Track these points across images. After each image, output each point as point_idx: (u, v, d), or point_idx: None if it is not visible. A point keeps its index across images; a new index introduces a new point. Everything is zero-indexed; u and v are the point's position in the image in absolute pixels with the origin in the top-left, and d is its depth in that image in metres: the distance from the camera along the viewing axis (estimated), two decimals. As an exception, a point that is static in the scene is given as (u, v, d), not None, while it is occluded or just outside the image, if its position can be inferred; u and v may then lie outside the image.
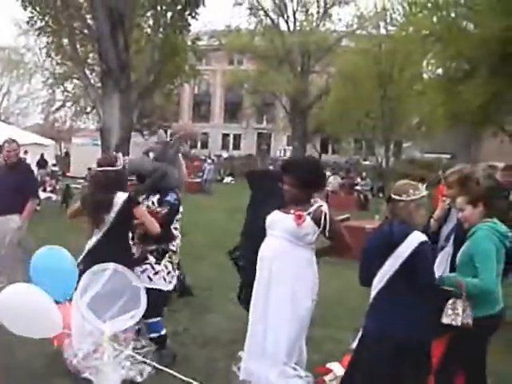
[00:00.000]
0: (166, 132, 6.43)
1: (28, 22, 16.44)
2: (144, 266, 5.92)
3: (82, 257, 5.35)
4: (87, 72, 15.49)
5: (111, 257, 5.02)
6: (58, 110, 41.08)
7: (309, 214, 4.55)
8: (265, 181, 6.42)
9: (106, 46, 12.21)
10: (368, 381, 3.75)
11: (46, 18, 14.99)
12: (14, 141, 8.66)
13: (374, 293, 3.93)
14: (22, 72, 49.78)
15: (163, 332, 6.09)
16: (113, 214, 5.04)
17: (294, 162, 5.63)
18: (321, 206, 4.56)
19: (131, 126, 13.42)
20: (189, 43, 17.63)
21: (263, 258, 4.70)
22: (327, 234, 4.54)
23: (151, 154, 6.29)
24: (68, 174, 39.20)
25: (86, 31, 14.60)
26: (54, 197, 21.30)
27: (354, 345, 3.99)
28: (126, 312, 2.78)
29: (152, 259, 5.96)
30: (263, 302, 4.75)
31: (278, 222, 4.67)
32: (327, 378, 4.65)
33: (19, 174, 8.49)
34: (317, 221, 4.54)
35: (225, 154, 56.74)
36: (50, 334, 4.02)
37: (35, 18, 15.49)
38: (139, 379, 2.61)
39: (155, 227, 5.01)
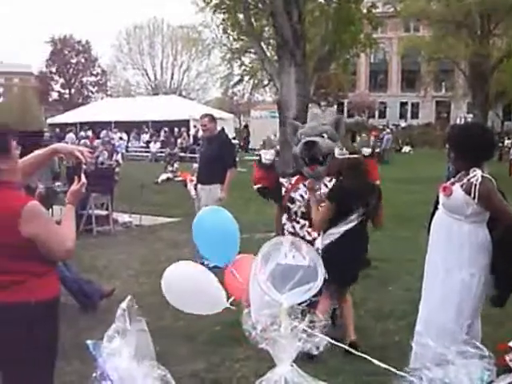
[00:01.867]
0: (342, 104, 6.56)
1: (204, 0, 16.98)
2: None
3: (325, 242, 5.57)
4: (263, 46, 15.71)
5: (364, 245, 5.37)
6: (236, 84, 42.14)
7: (462, 185, 4.36)
8: None
9: (281, 19, 12.29)
10: None
11: (221, -5, 15.38)
12: (207, 115, 9.47)
13: None
14: (201, 49, 51.58)
15: (337, 305, 6.12)
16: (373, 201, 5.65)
17: (457, 129, 5.42)
18: (474, 176, 4.32)
19: (308, 97, 13.47)
20: (364, 11, 17.29)
21: (431, 230, 4.70)
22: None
23: (325, 135, 6.33)
24: (248, 147, 40.24)
25: (260, 5, 14.80)
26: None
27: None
28: (303, 284, 2.79)
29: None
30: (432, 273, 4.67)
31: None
32: (509, 357, 4.39)
33: (216, 146, 9.17)
34: (468, 192, 4.33)
35: (403, 124, 55.72)
36: (214, 310, 4.20)
37: (211, -6, 15.98)
38: (315, 352, 2.61)
39: None
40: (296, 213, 6.44)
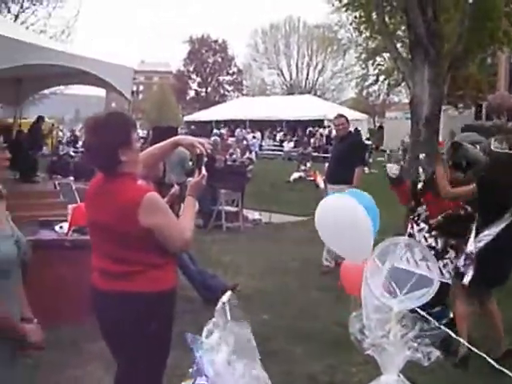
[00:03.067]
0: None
1: (337, -2, 16.85)
2: (445, 261, 5.86)
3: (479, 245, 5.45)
4: (397, 44, 15.35)
5: None
6: (371, 84, 41.59)
7: None
8: None
9: (414, 16, 11.94)
10: None
11: (353, -7, 15.19)
12: (342, 116, 9.77)
13: None
14: (336, 48, 51.32)
15: (451, 315, 5.89)
16: None
17: None
18: None
19: (442, 98, 12.99)
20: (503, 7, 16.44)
21: None
22: None
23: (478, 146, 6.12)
24: (381, 148, 39.67)
25: (394, 3, 14.46)
26: (366, 169, 21.72)
27: None
28: (416, 290, 2.65)
29: (452, 254, 5.87)
30: None
31: None
32: None
33: (348, 145, 9.33)
34: None
35: (546, 126, 52.87)
36: (354, 258, 3.86)
37: (344, -7, 15.82)
38: (425, 363, 2.46)
39: None
40: (419, 215, 6.27)
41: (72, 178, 15.54)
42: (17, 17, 31.96)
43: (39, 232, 7.03)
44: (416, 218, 6.31)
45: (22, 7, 32.79)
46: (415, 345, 2.44)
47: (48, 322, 3.08)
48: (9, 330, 2.81)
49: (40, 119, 19.12)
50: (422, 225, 6.21)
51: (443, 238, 5.96)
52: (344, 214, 3.65)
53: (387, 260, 2.78)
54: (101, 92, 29.81)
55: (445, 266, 5.94)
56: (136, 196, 3.36)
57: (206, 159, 3.78)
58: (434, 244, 5.98)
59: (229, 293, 2.74)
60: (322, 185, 9.91)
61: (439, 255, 5.84)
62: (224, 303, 2.64)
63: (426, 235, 6.12)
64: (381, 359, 2.47)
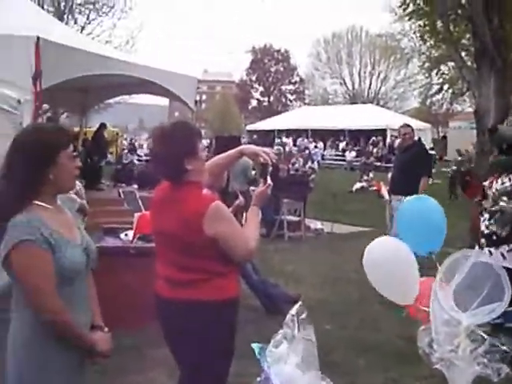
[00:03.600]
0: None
1: (401, 6, 16.67)
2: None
3: None
4: (461, 53, 15.12)
5: None
6: (435, 93, 40.95)
7: None
8: None
9: (480, 24, 11.72)
10: None
11: (418, 1, 14.99)
12: (408, 125, 9.81)
13: None
14: (399, 57, 50.72)
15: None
16: None
17: None
18: None
19: (508, 108, 12.71)
20: None
21: None
22: None
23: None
24: (445, 158, 39.04)
25: (459, 11, 14.23)
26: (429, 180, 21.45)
27: None
28: (487, 303, 2.59)
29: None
30: None
31: None
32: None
33: (412, 156, 9.29)
34: None
35: None
36: (402, 300, 3.94)
37: (408, 2, 15.64)
38: (495, 379, 2.39)
39: None
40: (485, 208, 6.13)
41: (136, 186, 15.76)
42: (83, 28, 32.81)
43: (104, 239, 7.15)
44: (482, 212, 6.17)
45: (88, 18, 33.67)
46: (485, 360, 2.38)
47: (111, 328, 3.12)
48: (73, 338, 2.84)
49: (102, 126, 19.47)
50: (486, 215, 6.06)
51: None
52: (390, 261, 3.73)
53: (455, 274, 2.72)
54: (164, 101, 30.31)
55: (509, 251, 5.79)
56: (201, 206, 3.38)
57: (270, 168, 3.79)
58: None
59: (298, 304, 2.72)
60: (386, 196, 9.79)
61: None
62: (293, 315, 2.63)
63: (491, 249, 5.95)
64: (449, 374, 2.41)
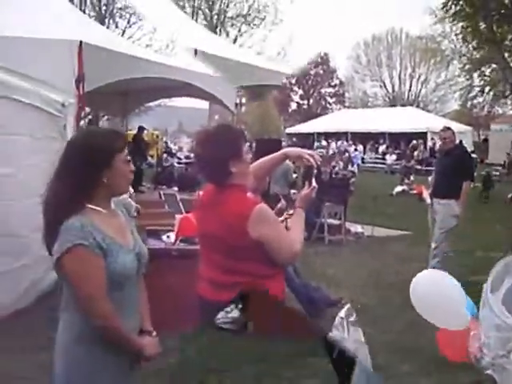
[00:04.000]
0: None
1: (443, 8, 16.51)
2: None
3: None
4: (505, 54, 14.90)
5: None
6: (476, 96, 40.40)
7: None
8: None
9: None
10: None
11: (461, 2, 14.82)
12: (448, 128, 9.67)
13: None
14: (440, 59, 50.18)
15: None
16: None
17: None
18: None
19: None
20: None
21: None
22: None
23: None
24: (486, 161, 38.55)
25: (502, 11, 14.01)
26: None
27: None
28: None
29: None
30: None
31: None
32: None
33: (454, 159, 9.17)
34: None
35: None
36: (453, 326, 3.91)
37: (450, 3, 15.48)
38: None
39: None
40: None
41: (176, 189, 15.88)
42: (124, 32, 33.24)
43: (147, 241, 7.19)
44: None
45: (128, 22, 34.11)
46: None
47: (155, 330, 3.12)
48: (122, 342, 2.85)
49: (140, 129, 19.66)
50: None
51: None
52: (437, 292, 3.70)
53: (506, 278, 2.68)
54: (203, 104, 30.27)
55: None
56: (245, 209, 3.38)
57: (315, 171, 3.78)
58: None
59: (347, 307, 2.71)
60: (428, 199, 9.68)
61: None
62: (342, 317, 2.62)
63: None
64: (500, 379, 2.37)
